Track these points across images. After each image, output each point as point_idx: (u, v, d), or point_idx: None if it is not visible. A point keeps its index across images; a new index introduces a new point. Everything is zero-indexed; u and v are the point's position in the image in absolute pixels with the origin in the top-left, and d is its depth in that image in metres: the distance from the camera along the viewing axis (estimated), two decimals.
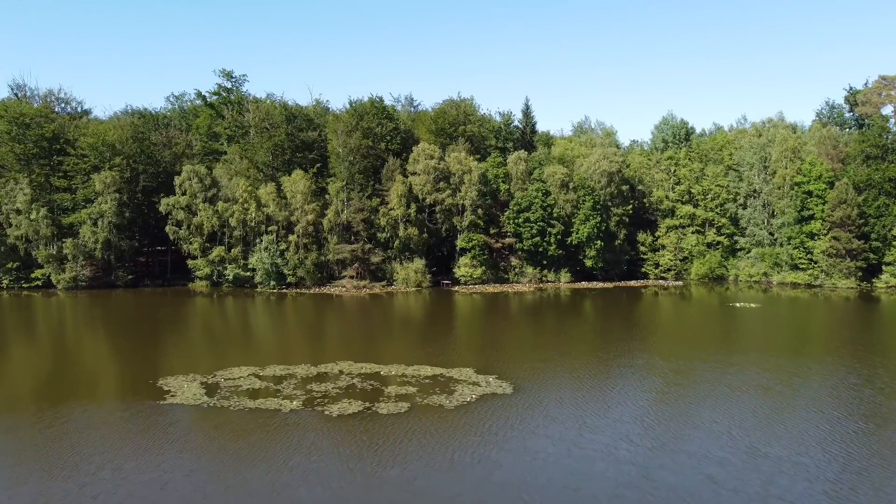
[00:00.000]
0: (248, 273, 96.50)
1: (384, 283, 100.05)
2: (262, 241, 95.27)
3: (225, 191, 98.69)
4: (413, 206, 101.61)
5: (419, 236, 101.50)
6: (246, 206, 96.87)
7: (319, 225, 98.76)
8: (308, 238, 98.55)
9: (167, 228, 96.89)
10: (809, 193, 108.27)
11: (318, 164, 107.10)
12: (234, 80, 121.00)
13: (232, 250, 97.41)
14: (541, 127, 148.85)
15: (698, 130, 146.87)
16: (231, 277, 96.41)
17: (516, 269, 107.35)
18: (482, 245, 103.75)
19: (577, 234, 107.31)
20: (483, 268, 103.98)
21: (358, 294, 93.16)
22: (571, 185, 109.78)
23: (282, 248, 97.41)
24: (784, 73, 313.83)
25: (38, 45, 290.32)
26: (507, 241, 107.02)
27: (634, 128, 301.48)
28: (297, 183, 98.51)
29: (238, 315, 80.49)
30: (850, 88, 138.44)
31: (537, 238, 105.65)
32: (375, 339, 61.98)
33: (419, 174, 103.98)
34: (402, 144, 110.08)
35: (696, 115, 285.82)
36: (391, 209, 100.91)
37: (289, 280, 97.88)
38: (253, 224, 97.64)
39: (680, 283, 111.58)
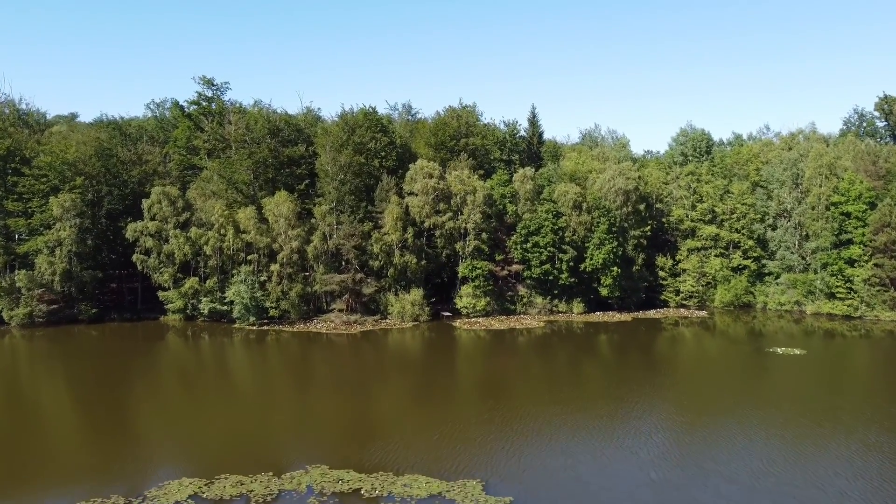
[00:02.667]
0: (226, 307, 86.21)
1: (377, 316, 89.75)
2: (239, 272, 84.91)
3: (199, 214, 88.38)
4: (410, 230, 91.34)
5: (417, 264, 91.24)
6: (223, 231, 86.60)
7: (305, 252, 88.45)
8: (292, 267, 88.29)
9: (134, 257, 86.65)
10: (848, 215, 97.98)
11: (306, 181, 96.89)
12: (215, 87, 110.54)
13: (207, 281, 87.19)
14: (547, 135, 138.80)
15: (716, 140, 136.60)
16: (206, 311, 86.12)
17: (524, 299, 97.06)
18: (486, 273, 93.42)
19: (591, 260, 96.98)
20: (487, 299, 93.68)
21: (347, 332, 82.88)
22: (585, 205, 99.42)
23: (262, 278, 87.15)
24: (806, 79, 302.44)
25: (15, 51, 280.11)
26: (514, 267, 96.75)
27: (647, 136, 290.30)
28: (280, 205, 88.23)
29: (205, 367, 70.17)
30: (885, 96, 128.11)
31: (547, 265, 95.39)
32: (361, 416, 51.32)
33: (417, 194, 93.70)
34: (397, 160, 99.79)
35: (713, 124, 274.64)
36: (385, 234, 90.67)
37: (271, 313, 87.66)
38: (230, 252, 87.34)
39: (704, 312, 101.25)
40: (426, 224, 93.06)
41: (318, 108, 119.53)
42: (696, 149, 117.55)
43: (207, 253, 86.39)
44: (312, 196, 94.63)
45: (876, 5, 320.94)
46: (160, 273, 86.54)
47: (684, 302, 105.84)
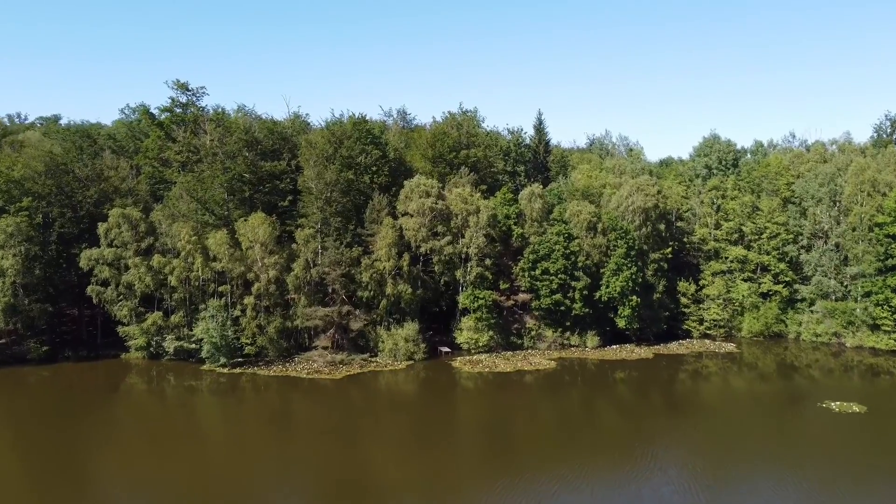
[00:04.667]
0: (194, 345, 75.71)
1: (367, 354, 79.25)
2: (208, 306, 74.39)
3: (165, 240, 77.88)
4: (405, 256, 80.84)
5: (412, 294, 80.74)
6: (190, 259, 76.07)
7: (284, 282, 77.98)
8: (270, 299, 77.84)
9: (89, 289, 76.17)
10: (893, 237, 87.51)
11: (289, 198, 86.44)
12: (190, 92, 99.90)
13: (172, 316, 76.73)
14: (553, 141, 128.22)
15: (738, 147, 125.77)
16: (171, 350, 75.67)
17: (532, 333, 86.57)
18: (490, 304, 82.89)
19: (607, 288, 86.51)
20: (491, 333, 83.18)
21: (332, 376, 72.34)
22: (600, 226, 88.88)
23: (236, 313, 76.68)
24: (828, 85, 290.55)
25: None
26: (521, 297, 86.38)
27: (661, 144, 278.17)
28: (256, 228, 77.71)
29: (168, 417, 59.75)
30: None
31: (558, 294, 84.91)
32: (344, 477, 44.36)
33: (412, 215, 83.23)
34: (391, 176, 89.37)
35: (732, 131, 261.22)
36: (377, 261, 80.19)
37: (247, 351, 77.22)
38: (199, 283, 76.87)
39: (731, 345, 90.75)
40: (422, 249, 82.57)
41: (307, 115, 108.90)
42: (721, 161, 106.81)
43: (172, 284, 75.88)
44: (294, 217, 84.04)
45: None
46: (119, 307, 76.05)
47: (708, 332, 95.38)
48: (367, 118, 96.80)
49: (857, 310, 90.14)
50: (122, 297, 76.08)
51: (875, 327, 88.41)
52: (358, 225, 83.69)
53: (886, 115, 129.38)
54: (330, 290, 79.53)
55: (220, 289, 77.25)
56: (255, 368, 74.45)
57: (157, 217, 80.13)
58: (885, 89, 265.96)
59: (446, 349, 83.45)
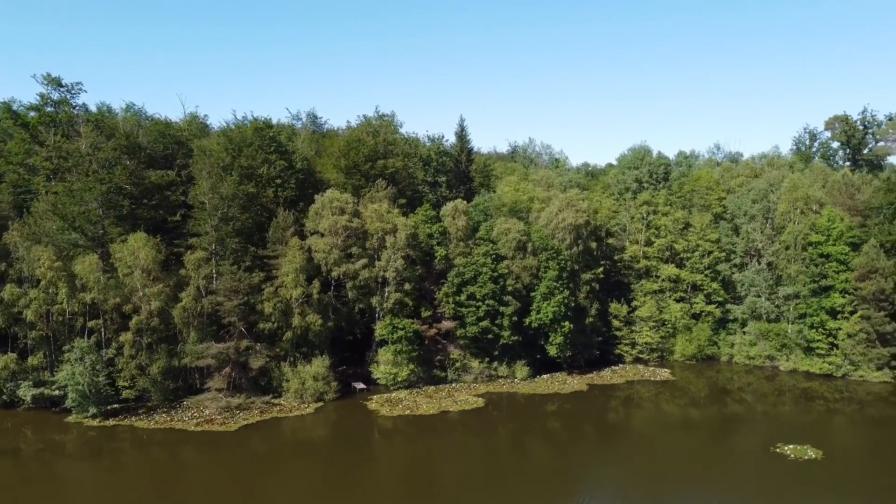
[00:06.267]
0: (57, 392, 63.34)
1: (269, 395, 68.92)
2: (73, 346, 62.21)
3: (21, 266, 65.05)
4: (315, 281, 71.05)
5: (322, 325, 71.00)
6: (52, 290, 63.62)
7: (170, 315, 66.64)
8: (152, 334, 66.36)
9: None
10: (827, 257, 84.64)
11: (181, 212, 75.03)
12: (64, 88, 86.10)
13: (30, 358, 64.07)
14: (475, 147, 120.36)
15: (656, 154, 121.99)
16: (29, 399, 63.06)
17: (457, 364, 78.41)
18: (411, 334, 74.14)
19: (537, 314, 79.48)
20: (411, 366, 74.48)
21: (227, 425, 61.72)
22: (530, 245, 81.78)
23: (111, 353, 64.82)
24: (750, 98, 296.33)
25: None
26: (445, 325, 78.06)
27: (583, 150, 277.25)
28: (137, 251, 66.05)
29: (19, 489, 47.71)
30: (847, 116, 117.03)
31: (486, 321, 77.22)
32: None
33: (323, 234, 73.58)
34: (298, 189, 79.32)
35: (655, 139, 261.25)
36: (281, 287, 70.07)
37: (125, 395, 65.58)
38: (64, 318, 64.52)
39: (666, 371, 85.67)
40: (335, 273, 72.99)
41: (205, 116, 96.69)
42: (652, 174, 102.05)
43: (30, 319, 63.23)
44: (185, 237, 72.68)
45: (805, 24, 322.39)
46: None
47: (641, 356, 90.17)
48: (274, 121, 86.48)
49: (791, 332, 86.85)
50: None
51: (809, 350, 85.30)
52: (260, 246, 73.22)
53: (805, 129, 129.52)
54: (226, 323, 68.67)
55: (91, 324, 65.15)
56: (134, 418, 62.79)
57: (12, 239, 66.93)
58: (803, 102, 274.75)
59: (361, 385, 74.21)
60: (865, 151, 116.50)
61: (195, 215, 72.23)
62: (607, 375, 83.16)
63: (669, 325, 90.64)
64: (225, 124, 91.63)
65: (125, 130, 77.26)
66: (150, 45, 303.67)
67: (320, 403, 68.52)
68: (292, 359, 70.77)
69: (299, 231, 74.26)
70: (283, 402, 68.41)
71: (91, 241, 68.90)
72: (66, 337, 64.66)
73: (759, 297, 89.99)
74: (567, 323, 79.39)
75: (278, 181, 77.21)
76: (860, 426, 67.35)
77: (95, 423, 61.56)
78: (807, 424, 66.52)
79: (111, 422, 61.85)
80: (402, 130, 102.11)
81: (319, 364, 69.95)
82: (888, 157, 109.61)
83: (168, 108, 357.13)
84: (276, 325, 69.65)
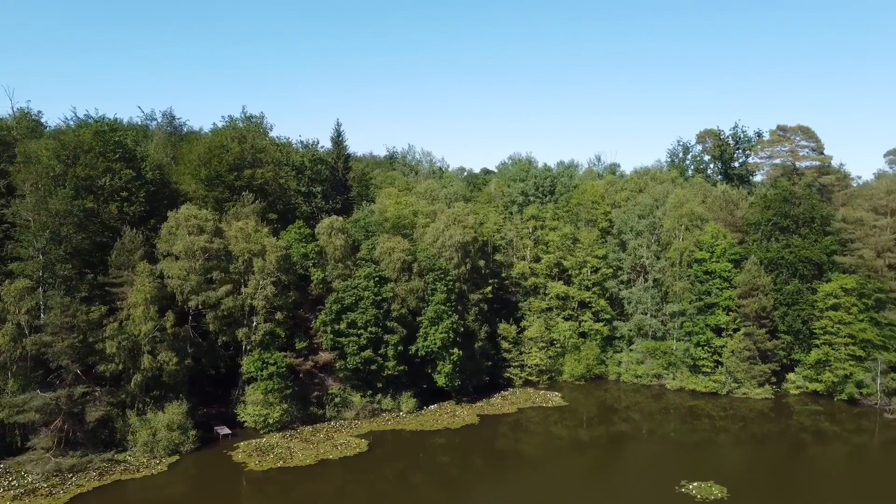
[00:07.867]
0: None
1: (112, 451, 57.98)
2: None
3: None
4: (169, 313, 60.79)
5: (177, 364, 60.82)
6: None
7: None
8: None
9: None
10: (711, 274, 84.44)
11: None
12: None
13: None
14: (351, 152, 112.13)
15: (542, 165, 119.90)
16: None
17: (336, 399, 70.52)
18: (284, 370, 65.52)
19: (424, 340, 73.25)
20: (285, 405, 65.84)
21: (54, 496, 50.62)
22: (416, 266, 75.36)
23: None
24: (621, 107, 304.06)
25: None
26: (323, 357, 70.08)
27: (461, 156, 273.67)
28: None
29: None
30: (720, 130, 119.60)
31: (368, 351, 69.94)
32: None
33: (179, 257, 63.36)
34: (149, 203, 68.41)
35: (535, 149, 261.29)
36: (128, 321, 59.32)
37: None
38: None
39: (557, 395, 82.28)
40: (193, 303, 63.01)
41: (39, 113, 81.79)
42: (538, 187, 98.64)
43: None
44: (3, 262, 60.06)
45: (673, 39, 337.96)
46: None
47: (530, 378, 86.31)
48: (125, 121, 74.86)
49: (677, 350, 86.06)
50: None
51: (695, 368, 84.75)
52: (101, 272, 61.92)
53: (679, 142, 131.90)
54: (55, 367, 57.04)
55: None
56: None
57: None
58: (679, 113, 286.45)
59: (226, 430, 64.69)
60: (736, 165, 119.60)
61: (16, 235, 59.83)
62: (498, 403, 78.34)
63: (558, 345, 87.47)
64: (63, 123, 78.55)
65: None
66: None
67: (175, 457, 58.48)
68: (141, 405, 60.13)
69: (150, 254, 63.66)
70: (129, 457, 57.70)
71: None
72: None
73: (646, 314, 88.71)
74: (456, 350, 73.71)
75: (124, 194, 66.05)
76: (754, 453, 65.98)
77: None
78: (697, 445, 64.84)
79: None
80: (273, 134, 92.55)
81: (175, 410, 59.82)
82: (755, 173, 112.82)
83: None
84: (120, 366, 58.80)
